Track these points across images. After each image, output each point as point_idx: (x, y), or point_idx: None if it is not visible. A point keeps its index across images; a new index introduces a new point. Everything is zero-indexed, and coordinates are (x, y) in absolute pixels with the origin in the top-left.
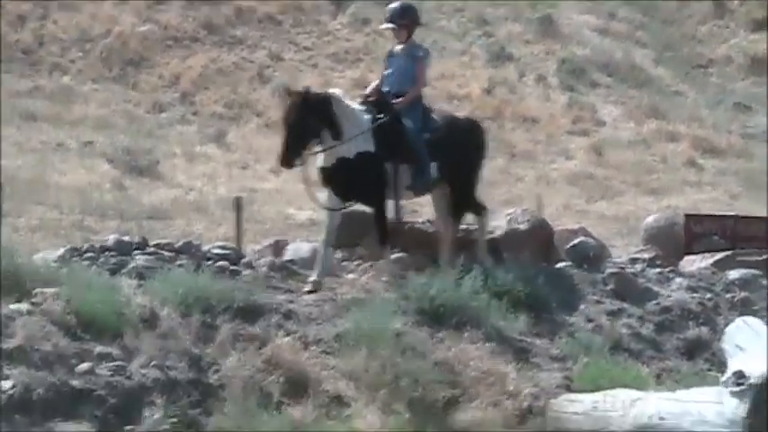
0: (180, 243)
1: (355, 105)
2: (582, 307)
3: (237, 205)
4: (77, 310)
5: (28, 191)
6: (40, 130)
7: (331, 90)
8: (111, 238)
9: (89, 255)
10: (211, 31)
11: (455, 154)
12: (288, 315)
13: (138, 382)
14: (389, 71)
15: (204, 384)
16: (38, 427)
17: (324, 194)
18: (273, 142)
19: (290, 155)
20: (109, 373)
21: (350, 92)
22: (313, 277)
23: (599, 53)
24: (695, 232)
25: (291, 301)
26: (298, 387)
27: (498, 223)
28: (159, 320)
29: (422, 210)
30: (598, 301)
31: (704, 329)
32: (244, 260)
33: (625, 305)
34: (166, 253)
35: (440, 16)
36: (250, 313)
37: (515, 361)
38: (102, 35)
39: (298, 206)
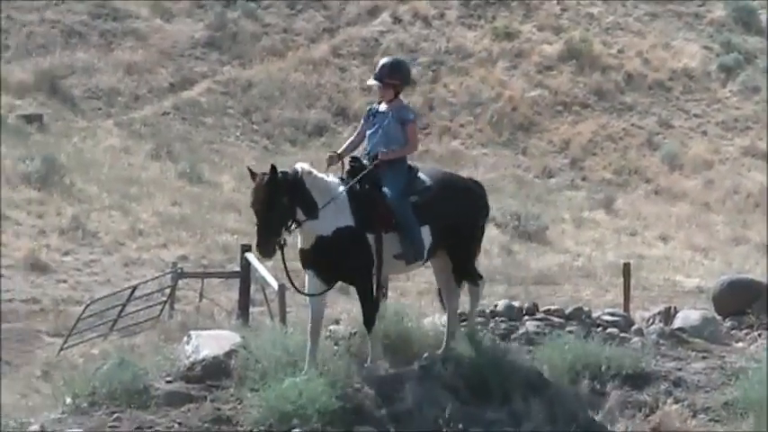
0: (570, 309)
1: (327, 177)
2: None
3: (626, 272)
4: (467, 374)
5: None
6: None
7: (298, 165)
8: (501, 304)
9: (479, 319)
10: (601, 97)
11: (450, 215)
12: (677, 382)
13: None
14: (372, 131)
15: None
16: None
17: (306, 277)
18: (662, 209)
19: (267, 242)
20: None
21: (738, 160)
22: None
23: None
24: None
25: (680, 369)
26: None
27: None
28: (547, 386)
29: None
30: None
31: None
32: (633, 327)
33: None
34: (556, 319)
35: None
36: (639, 380)
37: None
38: (493, 99)
39: (686, 273)
